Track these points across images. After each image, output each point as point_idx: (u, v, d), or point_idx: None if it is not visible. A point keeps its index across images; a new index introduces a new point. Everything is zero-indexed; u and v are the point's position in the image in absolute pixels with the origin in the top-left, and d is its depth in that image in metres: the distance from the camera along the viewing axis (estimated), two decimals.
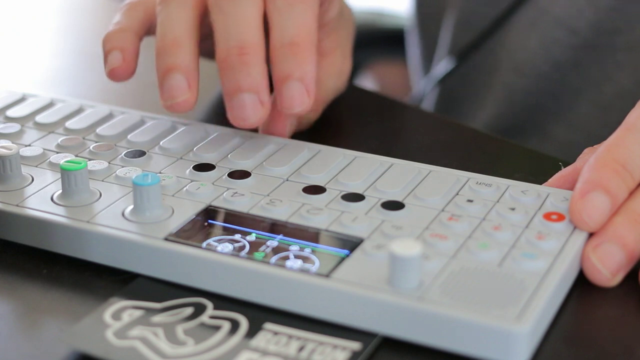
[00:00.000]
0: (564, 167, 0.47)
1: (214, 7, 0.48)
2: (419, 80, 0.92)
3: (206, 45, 0.51)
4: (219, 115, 0.50)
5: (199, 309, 0.40)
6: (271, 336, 0.39)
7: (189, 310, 0.40)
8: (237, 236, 0.43)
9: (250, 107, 0.47)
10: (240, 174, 0.48)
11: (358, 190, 0.46)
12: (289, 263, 0.41)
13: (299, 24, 0.48)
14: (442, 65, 0.80)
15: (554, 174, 0.47)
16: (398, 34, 1.09)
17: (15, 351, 0.39)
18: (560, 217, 0.43)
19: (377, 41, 1.25)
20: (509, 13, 0.74)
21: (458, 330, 0.37)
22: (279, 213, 0.44)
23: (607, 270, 0.42)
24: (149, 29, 0.54)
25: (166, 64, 0.48)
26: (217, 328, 0.39)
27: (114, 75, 0.51)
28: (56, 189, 0.46)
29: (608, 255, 0.42)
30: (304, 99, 0.47)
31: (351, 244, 0.42)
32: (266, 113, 0.47)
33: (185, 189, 0.46)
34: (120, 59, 0.51)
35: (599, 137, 0.49)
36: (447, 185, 0.46)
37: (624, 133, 0.44)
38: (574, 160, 0.47)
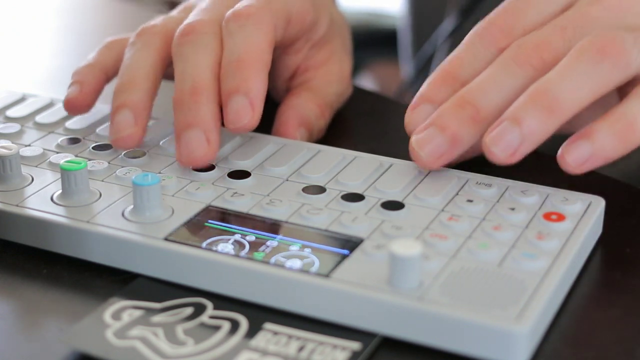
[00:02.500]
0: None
1: (175, 55, 0.50)
2: (413, 80, 0.92)
3: None
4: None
5: (199, 309, 0.40)
6: (271, 336, 0.39)
7: (189, 310, 0.40)
8: (237, 236, 0.43)
9: (196, 142, 0.47)
10: (240, 174, 0.48)
11: (358, 190, 0.46)
12: (289, 263, 0.41)
13: (247, 43, 0.48)
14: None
15: (554, 174, 0.47)
16: (396, 34, 1.09)
17: (15, 351, 0.39)
18: (560, 217, 0.43)
19: (375, 41, 1.25)
20: None
21: (458, 330, 0.37)
22: (279, 213, 0.44)
23: (425, 153, 0.45)
24: None
25: (118, 101, 0.49)
26: (217, 328, 0.39)
27: (68, 105, 0.53)
28: (56, 189, 0.46)
29: (428, 139, 0.45)
30: (247, 113, 0.47)
31: (351, 244, 0.42)
32: (212, 152, 0.47)
33: (185, 189, 0.46)
34: (77, 92, 0.53)
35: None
36: (447, 185, 0.46)
37: (459, 47, 0.48)
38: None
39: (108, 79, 0.54)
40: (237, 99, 0.47)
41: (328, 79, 0.57)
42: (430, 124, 0.45)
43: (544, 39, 0.46)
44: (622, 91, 0.47)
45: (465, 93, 0.46)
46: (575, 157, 0.44)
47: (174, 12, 0.56)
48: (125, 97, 0.49)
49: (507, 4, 0.49)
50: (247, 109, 0.47)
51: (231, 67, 0.48)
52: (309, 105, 0.54)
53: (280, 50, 0.56)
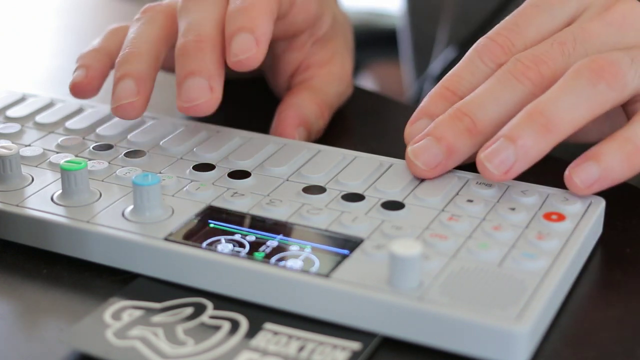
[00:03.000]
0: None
1: (180, 12, 0.49)
2: (413, 80, 0.92)
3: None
4: (219, 116, 0.50)
5: (199, 309, 0.40)
6: (271, 336, 0.39)
7: (189, 310, 0.40)
8: (237, 236, 0.43)
9: (199, 89, 0.47)
10: (240, 174, 0.48)
11: (358, 190, 0.46)
12: (289, 263, 0.41)
13: None
14: (439, 62, 0.80)
15: (554, 174, 0.47)
16: (396, 34, 1.09)
17: (15, 351, 0.39)
18: (560, 217, 0.43)
19: (375, 41, 1.25)
20: (507, 4, 0.74)
21: (458, 330, 0.37)
22: (279, 213, 0.44)
23: (421, 162, 0.46)
24: None
25: (120, 71, 0.49)
26: (217, 328, 0.39)
27: (74, 89, 0.52)
28: (56, 189, 0.46)
29: (423, 149, 0.46)
30: (251, 47, 0.47)
31: (351, 244, 0.42)
32: (215, 100, 0.47)
33: (185, 189, 0.46)
34: (83, 76, 0.52)
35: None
36: (447, 185, 0.46)
37: (459, 64, 0.48)
38: (572, 158, 0.47)
39: (113, 63, 0.53)
40: (241, 35, 0.47)
41: (329, 78, 0.57)
42: (427, 134, 0.46)
43: (543, 54, 0.46)
44: (627, 107, 0.47)
45: (462, 105, 0.46)
46: (583, 179, 0.44)
47: None
48: (127, 67, 0.49)
49: (507, 21, 0.48)
50: (252, 43, 0.47)
51: (237, 10, 0.47)
52: (309, 105, 0.54)
53: (284, 45, 0.56)
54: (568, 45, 0.46)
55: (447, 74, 0.49)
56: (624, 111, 0.47)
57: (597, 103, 0.44)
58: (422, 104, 0.48)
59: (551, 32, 0.48)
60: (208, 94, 0.47)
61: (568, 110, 0.43)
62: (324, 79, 0.56)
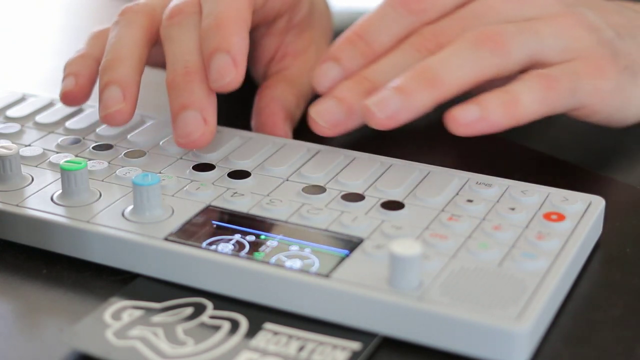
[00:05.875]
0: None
1: (164, 38, 0.50)
2: None
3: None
4: (219, 116, 0.50)
5: (199, 309, 0.40)
6: (271, 336, 0.39)
7: (189, 310, 0.40)
8: (237, 236, 0.43)
9: (193, 123, 0.47)
10: (240, 174, 0.48)
11: (358, 190, 0.46)
12: (289, 263, 0.41)
13: (225, 5, 0.48)
14: None
15: (554, 174, 0.47)
16: None
17: (15, 351, 0.39)
18: (560, 217, 0.43)
19: None
20: None
21: (458, 330, 0.37)
22: (279, 213, 0.44)
23: (323, 121, 0.49)
24: None
25: (105, 79, 0.49)
26: (217, 328, 0.39)
27: (65, 98, 0.52)
28: (56, 189, 0.46)
29: (325, 109, 0.50)
30: (230, 70, 0.47)
31: (351, 244, 0.42)
32: (210, 132, 0.47)
33: (185, 189, 0.46)
34: (73, 84, 0.52)
35: (586, 132, 0.50)
36: (447, 185, 0.46)
37: (371, 13, 0.52)
38: (572, 158, 0.47)
39: None
40: (218, 57, 0.47)
41: (304, 68, 0.57)
42: (330, 96, 0.50)
43: (444, 28, 0.50)
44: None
45: (365, 72, 0.50)
46: (464, 116, 0.46)
47: None
48: (111, 74, 0.49)
49: None
50: (230, 65, 0.47)
51: (210, 29, 0.48)
52: (288, 97, 0.54)
53: (262, 30, 0.56)
54: (468, 20, 0.50)
55: (359, 20, 0.52)
56: None
57: (479, 66, 0.48)
58: (331, 47, 0.52)
59: (459, 5, 0.52)
60: (202, 126, 0.47)
61: (452, 70, 0.47)
62: (300, 69, 0.57)
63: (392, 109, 0.47)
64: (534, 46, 0.49)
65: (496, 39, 0.48)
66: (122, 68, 0.49)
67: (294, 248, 0.42)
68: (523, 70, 0.49)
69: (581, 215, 0.44)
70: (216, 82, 0.47)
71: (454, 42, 0.49)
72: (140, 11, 0.52)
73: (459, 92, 0.48)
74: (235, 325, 0.39)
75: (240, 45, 0.47)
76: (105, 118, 0.49)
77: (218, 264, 0.41)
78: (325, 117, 0.50)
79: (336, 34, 0.57)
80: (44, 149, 0.51)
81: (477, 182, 0.46)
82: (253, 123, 0.54)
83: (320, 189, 0.46)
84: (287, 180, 0.47)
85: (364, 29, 0.52)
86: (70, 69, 0.53)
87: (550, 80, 0.48)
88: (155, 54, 0.52)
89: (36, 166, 0.49)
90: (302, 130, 0.54)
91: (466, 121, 0.46)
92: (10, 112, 0.55)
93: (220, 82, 0.47)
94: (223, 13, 0.48)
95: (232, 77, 0.47)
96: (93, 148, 0.51)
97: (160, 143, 0.51)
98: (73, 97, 0.52)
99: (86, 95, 0.53)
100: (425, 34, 0.50)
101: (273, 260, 0.41)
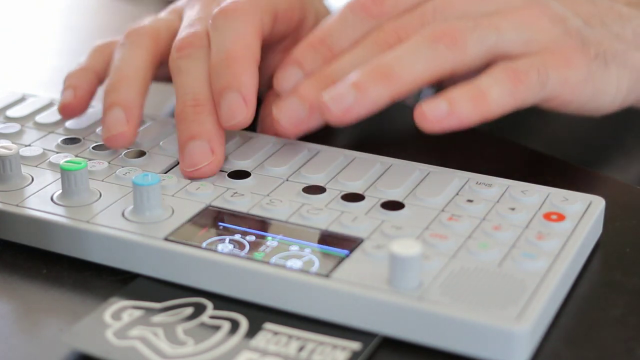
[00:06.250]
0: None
1: (173, 69, 0.50)
2: None
3: None
4: None
5: (199, 309, 0.40)
6: (271, 336, 0.39)
7: (189, 310, 0.40)
8: (237, 236, 0.43)
9: (200, 153, 0.47)
10: (240, 174, 0.48)
11: (358, 190, 0.46)
12: (289, 263, 0.41)
13: (234, 37, 0.49)
14: None
15: (554, 174, 0.47)
16: None
17: (15, 351, 0.39)
18: (560, 217, 0.43)
19: None
20: None
21: (458, 330, 0.37)
22: (279, 213, 0.44)
23: (285, 118, 0.49)
24: None
25: (109, 101, 0.50)
26: (217, 328, 0.39)
27: (64, 110, 0.53)
28: (56, 189, 0.46)
29: (287, 106, 0.49)
30: (241, 109, 0.47)
31: (351, 244, 0.42)
32: (217, 162, 0.47)
33: (185, 189, 0.46)
34: (72, 96, 0.53)
35: (585, 129, 0.50)
36: (447, 185, 0.46)
37: (331, 18, 0.52)
38: (570, 155, 0.47)
39: (100, 81, 0.54)
40: (229, 95, 0.47)
41: None
42: (291, 94, 0.49)
43: (404, 24, 0.50)
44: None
45: (326, 70, 0.50)
46: (433, 112, 0.46)
47: (162, 14, 0.56)
48: (115, 96, 0.50)
49: None
50: (241, 105, 0.47)
51: (220, 65, 0.48)
52: None
53: (266, 48, 0.56)
54: (427, 16, 0.50)
55: (320, 25, 0.53)
56: None
57: (435, 62, 0.48)
58: (293, 52, 0.52)
59: (420, 3, 0.52)
60: (210, 156, 0.47)
61: (408, 65, 0.48)
62: None
63: (346, 103, 0.47)
64: (492, 41, 0.48)
65: (452, 35, 0.48)
66: (126, 90, 0.50)
67: (294, 248, 0.42)
68: (489, 64, 0.49)
69: (581, 216, 0.44)
70: (228, 121, 0.48)
71: (410, 37, 0.49)
72: (146, 34, 0.52)
73: (415, 88, 0.48)
74: (235, 325, 0.39)
75: (250, 83, 0.48)
76: (108, 140, 0.49)
77: (218, 264, 0.41)
78: (287, 114, 0.49)
79: None
80: (44, 149, 0.51)
81: (477, 182, 0.46)
82: (258, 130, 0.54)
83: (320, 189, 0.46)
84: (287, 180, 0.47)
85: (326, 33, 0.52)
86: (70, 82, 0.54)
87: (518, 73, 0.48)
88: (158, 74, 0.53)
89: (36, 166, 0.49)
90: None
91: (435, 117, 0.46)
92: (10, 112, 0.55)
93: (232, 122, 0.48)
94: (233, 49, 0.48)
95: (243, 116, 0.47)
96: (93, 148, 0.51)
97: (160, 143, 0.51)
98: (71, 110, 0.53)
99: (84, 108, 0.54)
100: (386, 29, 0.50)
101: (273, 260, 0.41)
